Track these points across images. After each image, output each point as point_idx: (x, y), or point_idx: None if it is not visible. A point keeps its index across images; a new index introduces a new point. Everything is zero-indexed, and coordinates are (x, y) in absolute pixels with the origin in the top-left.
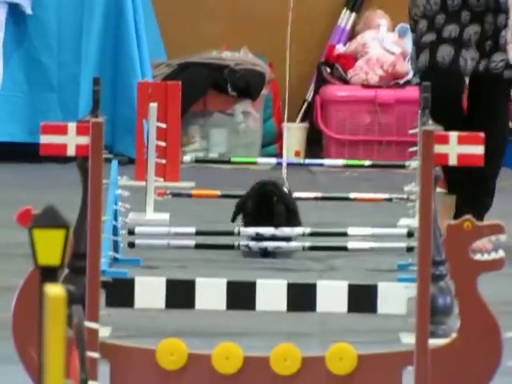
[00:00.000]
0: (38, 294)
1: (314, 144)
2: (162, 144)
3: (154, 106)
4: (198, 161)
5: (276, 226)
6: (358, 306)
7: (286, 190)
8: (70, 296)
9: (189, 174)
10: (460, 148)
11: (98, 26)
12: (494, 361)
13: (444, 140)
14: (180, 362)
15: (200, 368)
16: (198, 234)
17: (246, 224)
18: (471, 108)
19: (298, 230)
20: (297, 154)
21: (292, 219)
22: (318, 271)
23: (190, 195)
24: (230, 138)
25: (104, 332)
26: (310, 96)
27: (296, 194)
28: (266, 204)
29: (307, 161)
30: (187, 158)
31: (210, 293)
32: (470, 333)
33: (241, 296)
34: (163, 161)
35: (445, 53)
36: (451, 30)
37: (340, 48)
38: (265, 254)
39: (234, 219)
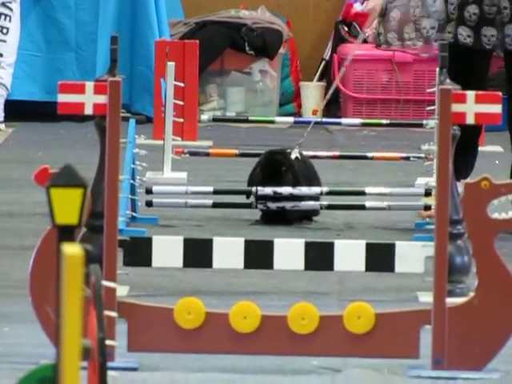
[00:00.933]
0: (55, 254)
1: (332, 103)
2: (180, 103)
3: (171, 64)
4: (215, 120)
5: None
6: (375, 264)
7: (297, 156)
8: (87, 255)
9: (206, 133)
10: (477, 107)
11: None
12: None
13: (461, 99)
14: (197, 320)
15: (217, 327)
16: (215, 192)
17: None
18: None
19: (315, 189)
20: (314, 112)
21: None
22: (335, 230)
23: (207, 154)
24: (248, 97)
25: (121, 291)
26: (327, 55)
27: (313, 153)
28: (274, 174)
29: (325, 119)
30: (205, 116)
31: (228, 252)
32: (488, 291)
33: (258, 255)
34: (181, 120)
35: (467, 32)
36: (472, 9)
37: (357, 7)
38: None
39: (248, 195)
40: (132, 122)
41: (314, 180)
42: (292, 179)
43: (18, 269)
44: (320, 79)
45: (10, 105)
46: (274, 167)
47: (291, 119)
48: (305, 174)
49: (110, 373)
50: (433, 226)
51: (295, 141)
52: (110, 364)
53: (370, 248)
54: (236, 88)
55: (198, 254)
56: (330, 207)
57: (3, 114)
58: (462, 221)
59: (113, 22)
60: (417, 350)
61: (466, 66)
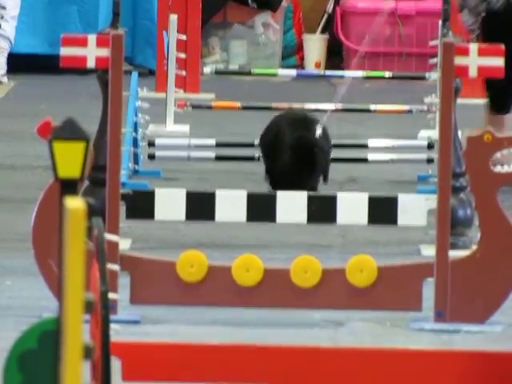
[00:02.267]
0: (57, 207)
1: (335, 56)
2: (182, 56)
3: (174, 17)
4: (218, 72)
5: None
6: (378, 217)
7: (320, 132)
8: (89, 208)
9: (209, 86)
10: (480, 60)
11: None
12: None
13: (464, 52)
14: (200, 273)
15: (220, 280)
16: (218, 145)
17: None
18: None
19: None
20: (317, 65)
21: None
22: (338, 183)
23: (210, 107)
24: (250, 50)
25: (124, 244)
26: (330, 7)
27: (316, 106)
28: (308, 158)
29: (327, 72)
30: (207, 69)
31: (230, 205)
32: (491, 244)
33: (261, 208)
34: (183, 72)
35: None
36: None
37: None
38: None
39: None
40: (134, 75)
41: (330, 143)
42: (324, 161)
43: (20, 222)
44: (323, 32)
45: (12, 58)
46: (307, 151)
47: (294, 72)
48: (328, 149)
49: (112, 326)
50: (436, 179)
51: (297, 94)
52: (112, 317)
53: (372, 201)
54: (239, 41)
55: (200, 206)
56: (332, 160)
57: (6, 68)
58: (465, 174)
59: None
60: (419, 302)
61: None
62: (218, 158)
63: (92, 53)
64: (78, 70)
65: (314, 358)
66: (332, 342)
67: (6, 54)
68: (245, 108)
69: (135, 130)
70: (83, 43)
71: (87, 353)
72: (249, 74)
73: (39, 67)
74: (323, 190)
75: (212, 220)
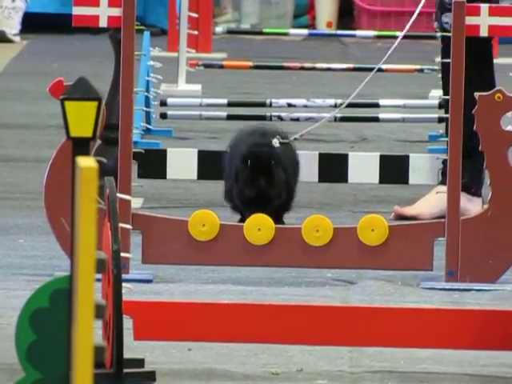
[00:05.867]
0: (70, 166)
1: (346, 15)
2: (194, 15)
3: None
4: (229, 32)
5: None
6: (389, 176)
7: (279, 142)
8: (101, 168)
9: (221, 45)
10: (491, 19)
11: None
12: None
13: (475, 11)
14: (212, 232)
15: (232, 239)
16: (229, 105)
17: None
18: None
19: (329, 101)
20: (329, 24)
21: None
22: (349, 142)
23: (221, 66)
24: (262, 9)
25: (136, 203)
26: None
27: (327, 66)
28: (264, 170)
29: (339, 32)
30: (219, 29)
31: None
32: (502, 203)
33: None
34: (195, 32)
35: None
36: None
37: None
38: None
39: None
40: (146, 34)
41: (295, 163)
42: (283, 172)
43: (33, 181)
44: None
45: (24, 17)
46: (263, 162)
47: (305, 31)
48: (290, 159)
49: (124, 285)
50: (446, 139)
51: (309, 53)
52: (124, 276)
53: (383, 160)
54: (250, 0)
55: (212, 165)
56: (343, 119)
57: (19, 27)
58: (476, 133)
59: None
60: (430, 262)
61: None
62: (230, 117)
63: (104, 12)
64: (91, 29)
65: (325, 316)
66: (343, 300)
67: (21, 14)
68: (256, 67)
69: (147, 89)
70: (95, 2)
71: (99, 312)
72: (260, 33)
73: (51, 26)
74: (335, 149)
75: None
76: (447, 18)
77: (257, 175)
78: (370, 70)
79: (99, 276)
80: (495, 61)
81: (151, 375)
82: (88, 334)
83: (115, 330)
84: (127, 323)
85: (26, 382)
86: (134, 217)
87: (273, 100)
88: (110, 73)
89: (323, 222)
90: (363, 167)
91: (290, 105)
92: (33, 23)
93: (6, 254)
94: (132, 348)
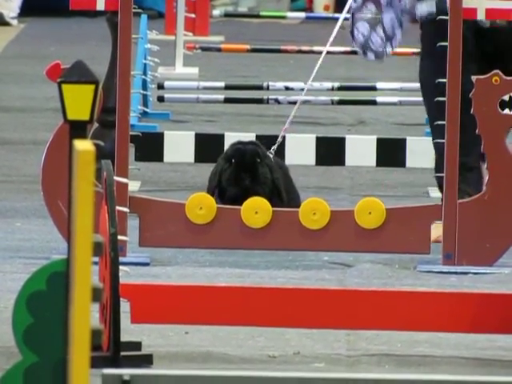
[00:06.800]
0: (67, 149)
1: None
2: None
3: None
4: (227, 15)
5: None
6: (386, 160)
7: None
8: (99, 151)
9: (218, 29)
10: (488, 2)
11: None
12: None
13: None
14: (209, 215)
15: (229, 222)
16: (227, 88)
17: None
18: None
19: (326, 85)
20: (326, 8)
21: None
22: (346, 125)
23: (219, 49)
24: None
25: (133, 186)
26: None
27: (325, 49)
28: (248, 166)
29: (336, 15)
30: (216, 12)
31: None
32: (499, 187)
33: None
34: (192, 15)
35: None
36: None
37: None
38: None
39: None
40: (144, 17)
41: (290, 187)
42: (269, 171)
43: (30, 164)
44: None
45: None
46: (247, 159)
47: (303, 14)
48: (278, 166)
49: (121, 268)
50: (443, 122)
51: (306, 36)
52: (121, 259)
53: (380, 143)
54: None
55: (209, 148)
56: (341, 102)
57: (18, 11)
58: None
59: None
60: (427, 245)
61: None
62: (227, 101)
63: None
64: (88, 12)
65: (322, 299)
66: (340, 284)
67: None
68: (254, 50)
69: (144, 72)
70: None
71: (96, 295)
72: (258, 16)
73: (49, 9)
74: (332, 132)
75: None
76: (423, 7)
77: (241, 172)
78: None
79: (96, 259)
80: None
81: (148, 358)
82: (85, 316)
83: (112, 313)
84: (124, 306)
85: (23, 364)
86: (131, 200)
87: (270, 83)
88: (107, 56)
89: (320, 205)
90: (360, 150)
91: (287, 88)
92: (30, 6)
93: (3, 237)
94: (129, 331)
